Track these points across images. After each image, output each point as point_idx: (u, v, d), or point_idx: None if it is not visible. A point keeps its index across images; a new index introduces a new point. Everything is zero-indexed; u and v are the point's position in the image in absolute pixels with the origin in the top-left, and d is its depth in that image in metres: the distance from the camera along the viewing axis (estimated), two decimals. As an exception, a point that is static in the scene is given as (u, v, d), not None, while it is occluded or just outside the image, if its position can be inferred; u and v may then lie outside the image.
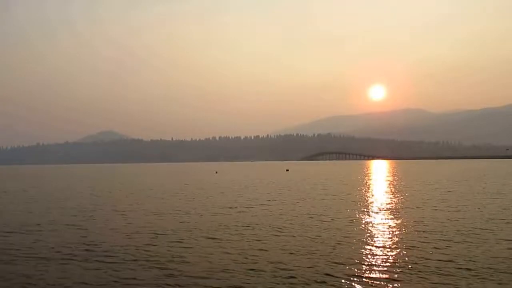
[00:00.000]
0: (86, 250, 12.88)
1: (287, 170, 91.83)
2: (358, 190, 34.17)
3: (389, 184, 42.10)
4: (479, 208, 20.72)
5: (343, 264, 10.56)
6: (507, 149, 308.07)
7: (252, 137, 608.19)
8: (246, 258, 11.49)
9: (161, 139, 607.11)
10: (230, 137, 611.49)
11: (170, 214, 20.84)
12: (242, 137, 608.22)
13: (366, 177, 55.92)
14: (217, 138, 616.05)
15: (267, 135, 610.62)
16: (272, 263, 10.86)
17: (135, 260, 11.35)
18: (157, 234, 15.27)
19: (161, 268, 10.59)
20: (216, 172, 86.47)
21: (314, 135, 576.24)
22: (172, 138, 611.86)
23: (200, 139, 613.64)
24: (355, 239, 13.58)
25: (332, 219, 17.79)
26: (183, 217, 19.48)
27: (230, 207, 22.96)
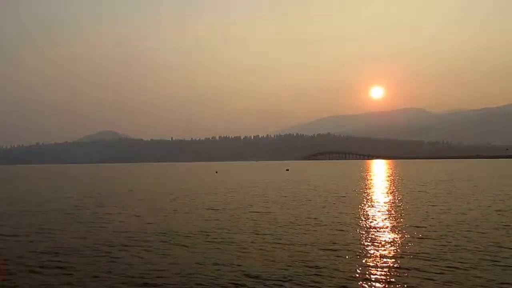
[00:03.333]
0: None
1: (287, 170, 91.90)
2: (356, 191, 34.15)
3: (388, 184, 42.13)
4: (477, 210, 20.70)
5: (327, 275, 9.81)
6: (507, 149, 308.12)
7: (252, 137, 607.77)
8: (223, 265, 10.73)
9: (161, 139, 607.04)
10: (230, 137, 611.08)
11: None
12: (242, 137, 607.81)
13: (365, 178, 55.92)
14: (217, 138, 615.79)
15: (267, 135, 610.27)
16: (246, 274, 10.02)
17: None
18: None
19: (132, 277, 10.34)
20: (216, 172, 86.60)
21: (314, 135, 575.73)
22: (172, 138, 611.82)
23: (200, 139, 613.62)
24: (344, 245, 12.90)
25: (326, 222, 17.60)
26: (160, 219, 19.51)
27: (221, 209, 22.95)
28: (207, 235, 14.83)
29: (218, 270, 10.34)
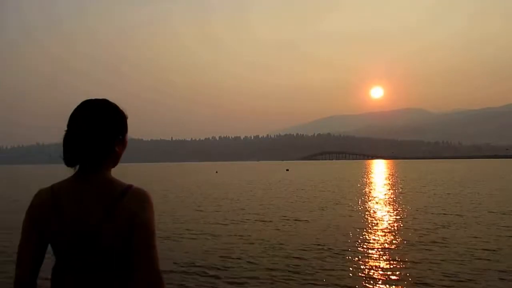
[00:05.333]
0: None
1: (287, 170, 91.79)
2: (356, 192, 34.02)
3: (388, 185, 41.99)
4: (479, 211, 20.57)
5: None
6: (507, 149, 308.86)
7: (252, 137, 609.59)
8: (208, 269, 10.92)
9: (161, 139, 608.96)
10: (230, 137, 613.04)
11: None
12: (242, 137, 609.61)
13: (365, 178, 55.78)
14: (217, 138, 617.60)
15: (267, 135, 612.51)
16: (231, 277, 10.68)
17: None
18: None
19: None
20: (216, 172, 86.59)
21: (314, 135, 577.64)
22: (172, 138, 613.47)
23: (200, 139, 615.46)
24: (341, 248, 13.06)
25: (325, 223, 17.55)
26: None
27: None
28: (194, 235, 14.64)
29: (203, 275, 10.15)
